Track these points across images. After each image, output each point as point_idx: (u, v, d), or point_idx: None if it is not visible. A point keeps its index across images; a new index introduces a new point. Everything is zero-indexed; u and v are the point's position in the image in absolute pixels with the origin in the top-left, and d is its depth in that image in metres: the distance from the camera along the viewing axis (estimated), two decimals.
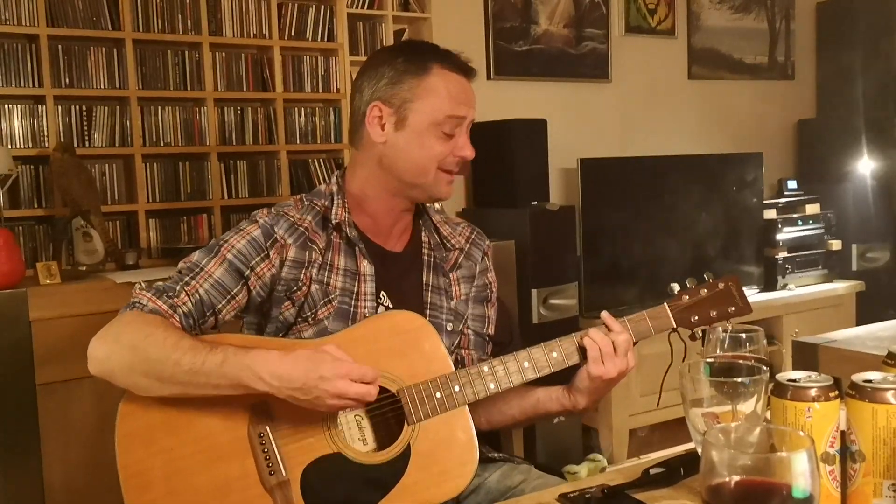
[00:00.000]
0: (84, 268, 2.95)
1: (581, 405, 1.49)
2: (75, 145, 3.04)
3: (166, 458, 1.33)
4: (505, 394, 1.48)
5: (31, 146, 3.02)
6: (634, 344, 1.47)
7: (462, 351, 1.61)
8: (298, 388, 1.26)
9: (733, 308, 1.49)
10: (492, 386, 1.41)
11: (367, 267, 1.50)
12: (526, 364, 1.43)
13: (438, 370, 1.41)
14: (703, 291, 1.49)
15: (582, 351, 1.44)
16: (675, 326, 1.49)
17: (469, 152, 1.50)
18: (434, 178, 1.49)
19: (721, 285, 1.50)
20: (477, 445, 1.40)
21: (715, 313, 1.48)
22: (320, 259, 1.48)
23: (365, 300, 1.49)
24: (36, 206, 3.04)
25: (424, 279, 1.57)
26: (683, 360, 1.50)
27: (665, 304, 1.50)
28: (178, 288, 1.40)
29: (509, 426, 1.62)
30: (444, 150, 1.48)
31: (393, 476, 1.36)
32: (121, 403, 1.35)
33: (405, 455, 1.37)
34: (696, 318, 1.48)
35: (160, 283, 1.43)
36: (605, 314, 1.47)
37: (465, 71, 1.51)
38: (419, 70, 1.47)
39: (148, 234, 3.23)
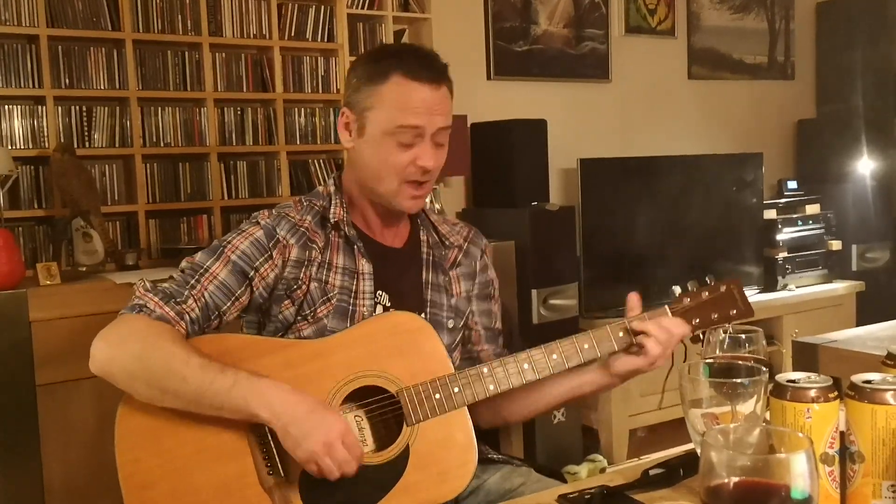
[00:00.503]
0: (84, 268, 2.95)
1: (616, 385, 1.53)
2: (75, 146, 3.04)
3: (166, 457, 1.33)
4: (541, 386, 1.49)
5: (31, 147, 3.02)
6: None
7: (476, 347, 1.62)
8: (296, 420, 1.27)
9: (735, 311, 1.49)
10: (491, 387, 1.41)
11: (365, 265, 1.51)
12: (526, 366, 1.43)
13: (438, 371, 1.41)
14: (705, 294, 1.49)
15: (586, 351, 1.44)
16: None
17: (428, 162, 1.45)
18: (397, 188, 1.47)
19: (723, 288, 1.50)
20: (476, 447, 1.40)
21: (716, 316, 1.48)
22: (320, 258, 1.49)
23: (364, 298, 1.50)
24: (36, 206, 3.04)
25: (424, 277, 1.58)
26: (683, 363, 1.51)
27: (666, 306, 1.49)
28: (185, 293, 1.40)
29: (542, 413, 1.62)
30: (402, 161, 1.45)
31: (392, 477, 1.36)
32: (121, 403, 1.35)
33: (404, 456, 1.37)
34: (698, 320, 1.48)
35: (165, 285, 1.42)
36: (636, 324, 1.46)
37: (428, 80, 1.44)
38: (378, 78, 1.45)
39: (148, 235, 3.23)
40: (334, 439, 1.27)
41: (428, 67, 1.46)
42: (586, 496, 1.14)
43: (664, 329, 1.44)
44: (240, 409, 1.29)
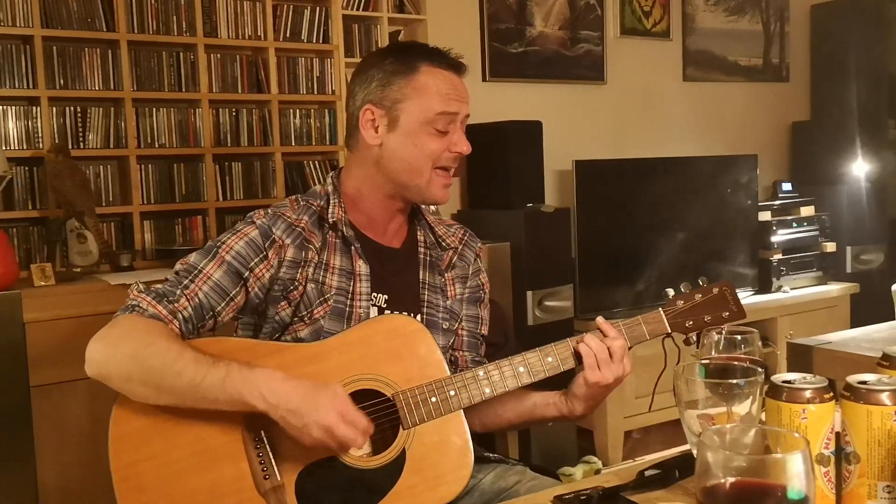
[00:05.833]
0: (78, 269, 2.94)
1: (578, 411, 1.49)
2: (70, 147, 3.03)
3: (160, 461, 1.32)
4: (501, 397, 1.47)
5: (25, 147, 3.01)
6: (629, 349, 1.47)
7: (456, 352, 1.61)
8: (293, 409, 1.27)
9: (727, 313, 1.50)
10: (487, 390, 1.41)
11: (362, 266, 1.50)
12: (521, 369, 1.43)
13: (433, 375, 1.41)
14: (698, 296, 1.50)
15: (577, 356, 1.44)
16: (669, 331, 1.49)
17: (464, 147, 1.50)
18: (429, 179, 1.50)
19: (715, 290, 1.51)
20: (472, 450, 1.40)
21: (709, 318, 1.49)
22: (316, 258, 1.48)
23: (360, 300, 1.49)
24: (30, 207, 3.03)
25: (421, 277, 1.58)
26: (677, 365, 1.52)
27: (660, 308, 1.50)
28: (177, 292, 1.39)
29: (504, 429, 1.62)
30: (438, 148, 1.48)
31: (388, 480, 1.36)
32: (114, 406, 1.34)
33: (400, 460, 1.37)
34: (691, 322, 1.49)
35: (159, 286, 1.42)
36: (600, 319, 1.48)
37: (455, 67, 1.51)
38: (407, 70, 1.48)
39: (142, 236, 3.22)
40: (333, 421, 1.27)
41: (449, 56, 1.51)
42: (582, 497, 1.14)
43: (597, 336, 1.45)
44: (234, 400, 1.28)
